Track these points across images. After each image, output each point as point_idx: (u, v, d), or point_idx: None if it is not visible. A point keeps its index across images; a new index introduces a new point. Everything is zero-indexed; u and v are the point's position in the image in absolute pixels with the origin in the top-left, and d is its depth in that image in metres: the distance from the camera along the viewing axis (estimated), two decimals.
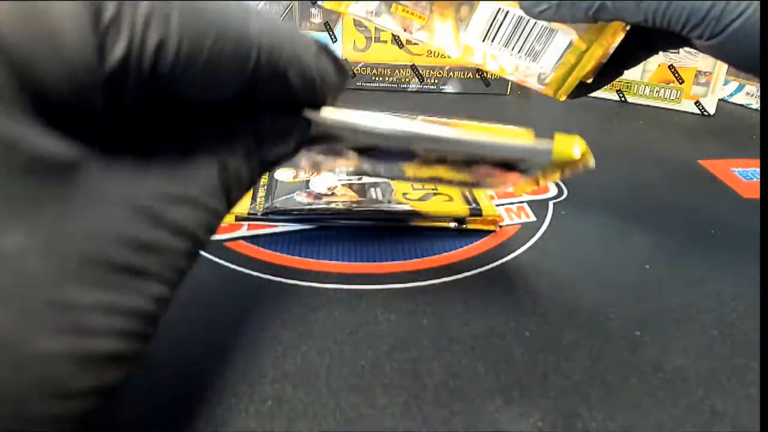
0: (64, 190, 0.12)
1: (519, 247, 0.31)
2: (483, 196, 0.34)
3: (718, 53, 0.24)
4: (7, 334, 0.11)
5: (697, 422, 0.21)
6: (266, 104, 0.16)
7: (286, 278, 0.28)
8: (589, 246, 0.32)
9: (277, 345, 0.23)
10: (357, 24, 0.57)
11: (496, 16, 0.29)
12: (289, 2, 0.57)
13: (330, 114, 0.17)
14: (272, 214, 0.32)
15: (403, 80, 0.59)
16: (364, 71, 0.59)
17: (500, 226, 0.33)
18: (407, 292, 0.27)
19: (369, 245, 0.31)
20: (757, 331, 0.25)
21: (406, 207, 0.32)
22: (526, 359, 0.23)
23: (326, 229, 0.32)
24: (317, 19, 0.57)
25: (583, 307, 0.27)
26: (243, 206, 0.32)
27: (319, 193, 0.33)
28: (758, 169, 0.44)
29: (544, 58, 0.29)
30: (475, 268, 0.29)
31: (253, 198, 0.33)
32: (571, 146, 0.18)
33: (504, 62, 0.30)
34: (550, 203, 0.36)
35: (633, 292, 0.28)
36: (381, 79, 0.59)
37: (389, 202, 0.33)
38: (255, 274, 0.28)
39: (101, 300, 0.12)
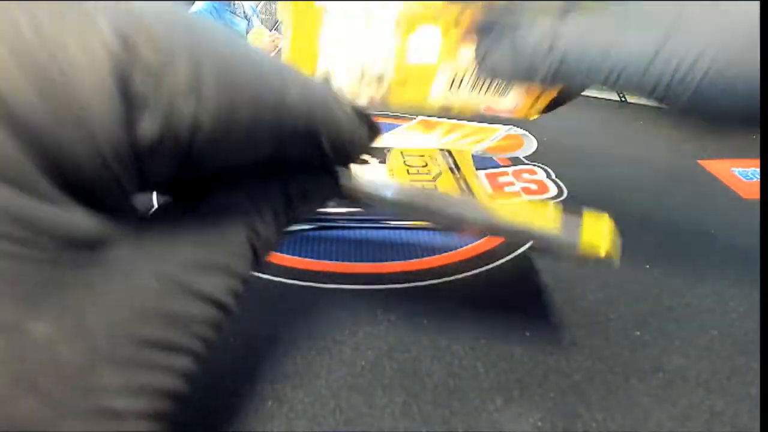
0: (93, 268, 0.11)
1: (519, 247, 0.31)
2: (483, 195, 0.34)
3: (698, 118, 0.19)
4: (33, 421, 0.10)
5: (697, 422, 0.21)
6: (295, 162, 0.15)
7: (286, 278, 0.28)
8: None
9: (277, 345, 0.23)
10: None
11: (453, 81, 0.28)
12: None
13: (357, 173, 0.17)
14: None
15: None
16: None
17: None
18: (407, 292, 0.27)
19: (369, 245, 0.31)
20: (757, 331, 0.25)
21: None
22: (526, 359, 0.23)
23: (326, 229, 0.32)
24: None
25: (583, 307, 0.27)
26: None
27: None
28: (758, 169, 0.44)
29: (512, 92, 0.28)
30: (475, 268, 0.29)
31: None
32: (600, 239, 0.17)
33: (472, 102, 0.29)
34: (550, 203, 0.36)
35: (633, 292, 0.28)
36: None
37: None
38: (255, 274, 0.28)
39: (129, 381, 0.11)
